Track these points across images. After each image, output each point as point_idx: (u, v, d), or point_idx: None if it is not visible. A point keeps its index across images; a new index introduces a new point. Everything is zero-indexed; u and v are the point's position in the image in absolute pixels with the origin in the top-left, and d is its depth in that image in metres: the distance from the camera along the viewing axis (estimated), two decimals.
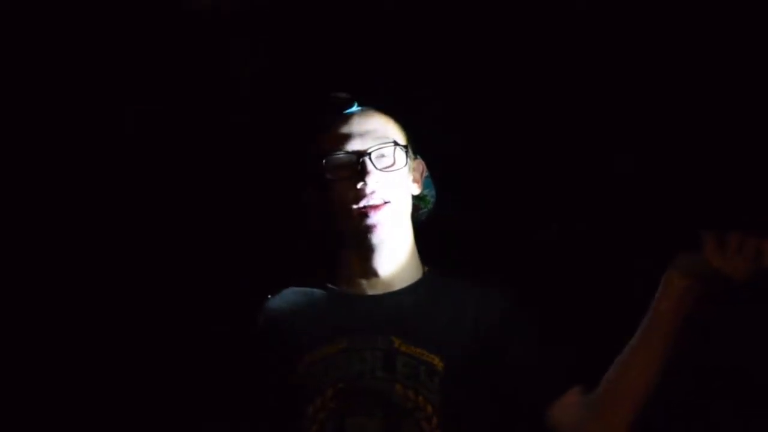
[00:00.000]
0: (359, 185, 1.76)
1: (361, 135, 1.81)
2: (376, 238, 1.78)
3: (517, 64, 2.28)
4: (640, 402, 1.64)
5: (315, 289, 1.87)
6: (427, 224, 1.96)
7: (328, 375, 1.71)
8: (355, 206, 1.77)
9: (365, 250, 1.81)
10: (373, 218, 1.77)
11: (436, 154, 1.97)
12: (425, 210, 1.96)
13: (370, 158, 1.77)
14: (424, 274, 1.87)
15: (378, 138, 1.80)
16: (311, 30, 2.36)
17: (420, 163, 1.92)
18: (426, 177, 1.94)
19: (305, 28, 2.37)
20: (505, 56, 2.29)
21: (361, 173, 1.76)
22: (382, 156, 1.79)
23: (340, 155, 1.79)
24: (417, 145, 1.92)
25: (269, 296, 1.88)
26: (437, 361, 1.71)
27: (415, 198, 1.90)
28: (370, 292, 1.83)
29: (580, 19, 2.22)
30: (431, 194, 1.96)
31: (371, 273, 1.82)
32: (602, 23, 2.22)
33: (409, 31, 2.32)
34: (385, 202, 1.77)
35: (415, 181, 1.89)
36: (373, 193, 1.77)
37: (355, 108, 1.87)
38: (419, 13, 2.31)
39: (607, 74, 2.22)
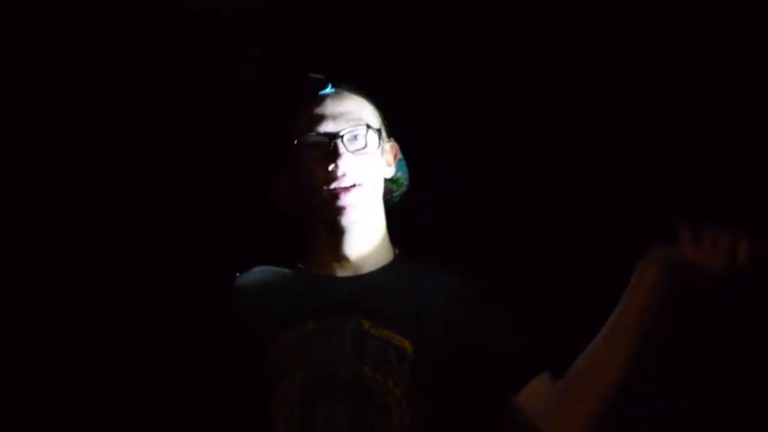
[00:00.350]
0: (330, 167, 1.75)
1: (334, 117, 1.79)
2: (347, 220, 1.77)
3: (498, 47, 2.28)
4: (608, 394, 1.64)
5: (285, 270, 1.85)
6: (399, 206, 1.95)
7: (297, 358, 1.69)
8: (325, 188, 1.76)
9: (336, 232, 1.79)
10: (344, 200, 1.76)
11: (412, 136, 1.96)
12: (398, 193, 1.94)
13: (342, 140, 1.76)
14: (395, 256, 1.86)
15: (351, 120, 1.79)
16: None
17: (394, 146, 1.91)
18: (400, 160, 1.93)
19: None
20: (486, 41, 2.28)
21: (333, 155, 1.75)
22: (355, 138, 1.78)
23: (312, 136, 1.78)
24: (391, 128, 1.90)
25: (237, 274, 1.86)
26: (407, 345, 1.70)
27: (388, 181, 1.89)
28: (341, 273, 1.81)
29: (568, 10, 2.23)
30: (405, 177, 1.95)
31: (342, 255, 1.81)
32: (589, 18, 2.22)
33: (393, 15, 2.31)
34: (356, 185, 1.76)
35: (388, 163, 1.88)
36: (344, 175, 1.76)
37: (329, 90, 1.85)
38: None
39: (597, 67, 2.22)
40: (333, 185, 1.75)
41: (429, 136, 2.18)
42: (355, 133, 1.78)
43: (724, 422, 2.00)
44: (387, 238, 1.87)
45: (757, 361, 2.02)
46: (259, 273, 1.86)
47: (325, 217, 1.79)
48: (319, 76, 1.86)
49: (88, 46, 2.36)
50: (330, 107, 1.81)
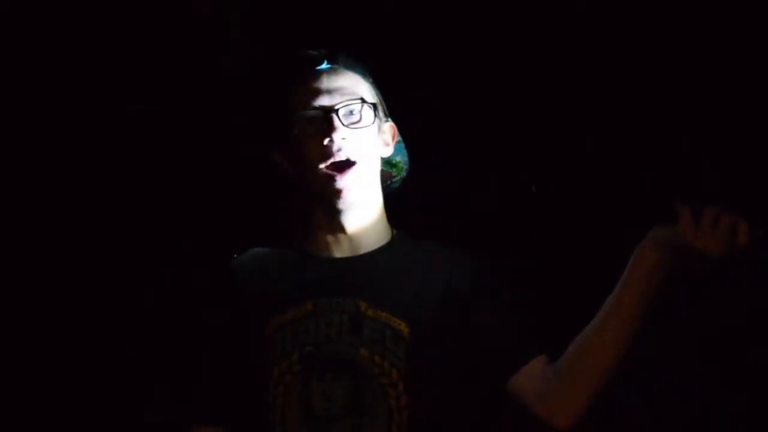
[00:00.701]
0: (325, 141, 1.72)
1: (330, 92, 1.77)
2: (343, 202, 1.75)
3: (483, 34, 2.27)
4: (606, 375, 1.62)
5: (282, 250, 1.84)
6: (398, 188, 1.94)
7: (294, 338, 1.69)
8: (322, 165, 1.73)
9: (333, 213, 1.77)
10: (340, 182, 1.73)
11: (411, 117, 1.95)
12: (398, 178, 1.93)
13: (337, 114, 1.74)
14: (392, 237, 1.84)
15: (346, 95, 1.77)
16: None
17: (392, 127, 1.88)
18: (398, 142, 1.90)
19: None
20: (471, 26, 2.28)
21: (328, 130, 1.73)
22: (350, 113, 1.76)
23: (308, 112, 1.75)
24: (390, 109, 1.89)
25: (235, 255, 1.85)
26: (403, 327, 1.69)
27: (387, 165, 1.88)
28: (338, 254, 1.80)
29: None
30: (404, 161, 1.93)
31: (339, 235, 1.79)
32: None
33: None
34: (352, 162, 1.74)
35: (385, 143, 1.86)
36: (339, 150, 1.73)
37: (325, 65, 1.83)
38: None
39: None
40: (329, 161, 1.73)
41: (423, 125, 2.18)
42: (351, 107, 1.76)
43: (724, 404, 2.00)
44: (384, 218, 1.85)
45: (757, 342, 2.01)
46: (257, 254, 1.85)
47: (322, 198, 1.76)
48: (315, 52, 1.84)
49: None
50: (326, 82, 1.78)
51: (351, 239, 1.79)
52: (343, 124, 1.74)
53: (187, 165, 2.34)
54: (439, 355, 1.69)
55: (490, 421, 1.83)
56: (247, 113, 2.20)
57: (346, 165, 1.74)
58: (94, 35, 2.36)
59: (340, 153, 1.73)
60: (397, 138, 1.90)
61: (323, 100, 1.76)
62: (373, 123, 1.79)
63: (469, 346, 1.72)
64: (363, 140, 1.77)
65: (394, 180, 1.92)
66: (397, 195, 1.91)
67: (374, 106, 1.80)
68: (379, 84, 1.87)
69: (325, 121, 1.74)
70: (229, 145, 2.30)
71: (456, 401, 1.71)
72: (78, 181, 2.39)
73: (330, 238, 1.80)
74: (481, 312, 1.73)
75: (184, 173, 2.35)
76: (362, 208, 1.79)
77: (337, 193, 1.73)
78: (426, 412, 1.66)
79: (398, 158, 1.91)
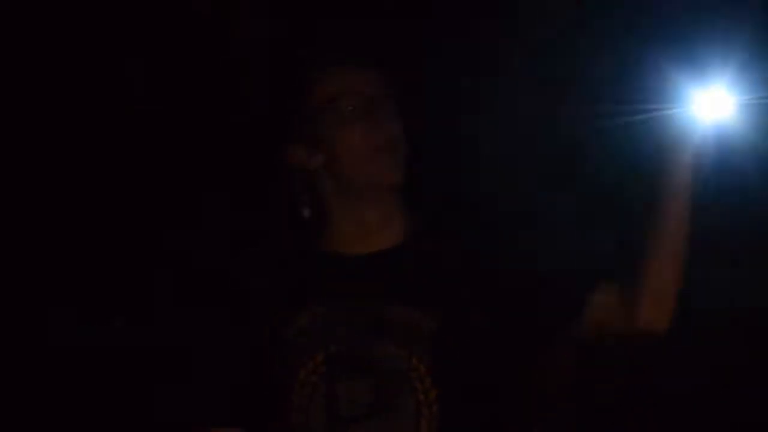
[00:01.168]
0: (368, 128, 1.71)
1: (363, 83, 1.75)
2: (388, 182, 1.74)
3: None
4: (682, 260, 1.60)
5: (304, 250, 1.82)
6: None
7: (318, 338, 1.67)
8: (366, 146, 1.72)
9: (369, 199, 1.75)
10: (387, 160, 1.72)
11: None
12: None
13: (375, 103, 1.73)
14: (412, 230, 1.80)
15: (379, 87, 1.76)
16: None
17: None
18: None
19: None
20: None
21: (370, 118, 1.72)
22: (383, 104, 1.75)
23: (347, 99, 1.73)
24: None
25: (256, 256, 1.83)
26: (429, 321, 1.66)
27: None
28: (359, 251, 1.76)
29: None
30: None
31: (360, 230, 1.77)
32: None
33: None
34: (398, 146, 1.73)
35: None
36: (386, 135, 1.72)
37: (350, 59, 1.80)
38: None
39: None
40: (377, 144, 1.72)
41: None
42: (382, 100, 1.75)
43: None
44: (405, 213, 1.81)
45: None
46: (279, 255, 1.83)
47: (366, 180, 1.74)
48: (337, 47, 1.85)
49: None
50: (355, 72, 1.77)
51: (374, 232, 1.77)
52: (382, 112, 1.73)
53: (197, 162, 2.33)
54: (467, 347, 1.67)
55: (520, 409, 1.79)
56: (259, 107, 2.17)
57: (394, 148, 1.73)
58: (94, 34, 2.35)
59: (386, 138, 1.72)
60: None
61: (359, 87, 1.74)
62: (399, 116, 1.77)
63: (497, 337, 1.68)
64: (399, 132, 1.75)
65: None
66: None
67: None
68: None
69: (366, 107, 1.72)
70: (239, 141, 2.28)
71: (486, 395, 1.68)
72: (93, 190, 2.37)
73: (352, 232, 1.77)
74: (511, 296, 1.69)
75: (192, 171, 2.33)
76: (395, 196, 1.77)
77: (384, 173, 1.72)
78: (457, 405, 1.64)
79: None
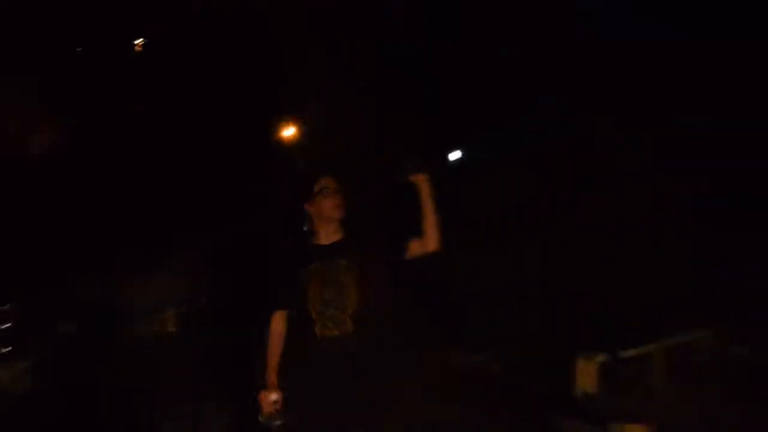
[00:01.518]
0: (335, 201, 4.66)
1: (332, 184, 4.76)
2: (338, 217, 4.65)
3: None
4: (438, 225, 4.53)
5: (307, 242, 4.74)
6: None
7: (314, 274, 4.60)
8: (333, 209, 4.66)
9: (330, 223, 4.66)
10: (339, 211, 4.65)
11: None
12: None
13: (337, 191, 4.72)
14: (344, 230, 4.73)
15: (338, 186, 4.75)
16: None
17: None
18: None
19: None
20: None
21: (335, 196, 4.68)
22: (339, 192, 4.75)
23: (328, 189, 4.69)
24: None
25: (285, 243, 4.83)
26: (356, 261, 4.59)
27: None
28: (326, 242, 4.69)
29: None
30: None
31: (328, 234, 4.69)
32: None
33: None
34: (342, 205, 4.69)
35: None
36: (339, 204, 4.68)
37: (330, 178, 4.86)
38: None
39: None
40: (334, 204, 4.65)
41: None
42: (339, 190, 4.70)
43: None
44: (343, 227, 4.74)
45: None
46: (296, 245, 4.76)
47: (329, 215, 4.63)
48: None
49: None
50: (331, 181, 4.69)
51: (331, 236, 4.68)
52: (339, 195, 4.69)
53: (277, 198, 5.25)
54: (371, 263, 4.57)
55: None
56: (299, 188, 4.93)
57: (341, 206, 4.66)
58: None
59: (339, 204, 4.65)
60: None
61: (331, 185, 4.67)
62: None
63: (384, 253, 4.63)
64: (344, 199, 4.71)
65: None
66: None
67: None
68: None
69: (333, 192, 4.65)
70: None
71: (380, 280, 4.60)
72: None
73: (323, 236, 4.69)
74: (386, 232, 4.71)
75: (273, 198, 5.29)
76: (340, 222, 4.70)
77: (338, 218, 4.65)
78: (368, 283, 4.57)
79: None
